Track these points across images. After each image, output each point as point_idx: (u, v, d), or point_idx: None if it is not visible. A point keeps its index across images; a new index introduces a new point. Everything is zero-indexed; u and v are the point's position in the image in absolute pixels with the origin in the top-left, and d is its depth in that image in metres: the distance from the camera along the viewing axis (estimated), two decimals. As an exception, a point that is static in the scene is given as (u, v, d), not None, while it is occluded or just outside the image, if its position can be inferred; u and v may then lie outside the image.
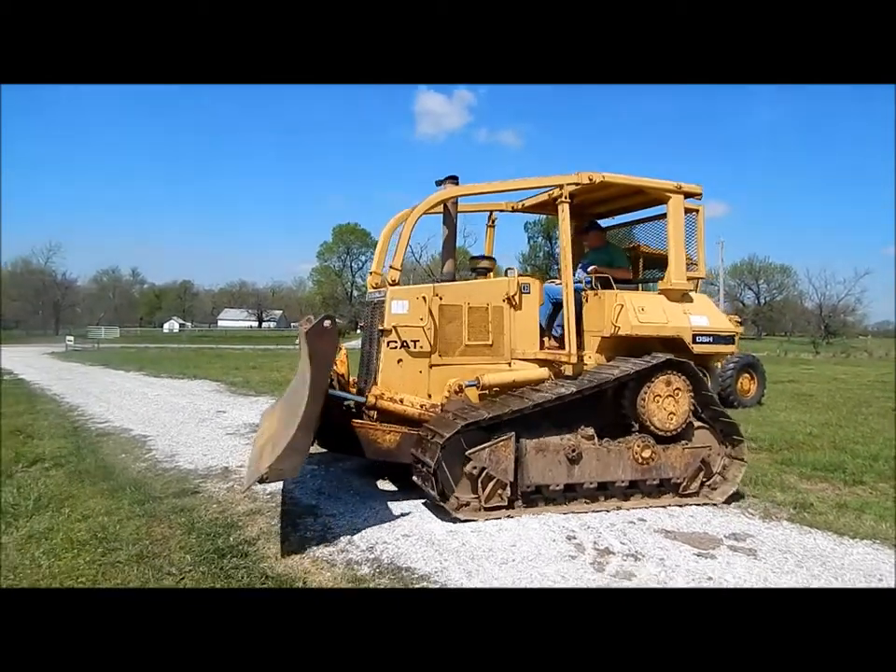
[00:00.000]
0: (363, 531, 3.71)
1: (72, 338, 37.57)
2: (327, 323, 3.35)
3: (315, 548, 3.42)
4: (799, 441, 6.87)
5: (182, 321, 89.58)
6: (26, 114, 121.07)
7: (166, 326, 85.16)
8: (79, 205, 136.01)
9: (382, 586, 2.93)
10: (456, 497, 3.86)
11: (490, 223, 6.21)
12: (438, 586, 2.94)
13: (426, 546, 3.46)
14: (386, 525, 3.84)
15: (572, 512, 4.06)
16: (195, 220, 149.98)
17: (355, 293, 75.89)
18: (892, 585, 3.03)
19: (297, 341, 5.98)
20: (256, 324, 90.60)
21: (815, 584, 3.00)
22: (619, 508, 4.21)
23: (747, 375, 10.66)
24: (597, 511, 4.14)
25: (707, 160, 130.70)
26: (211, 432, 7.26)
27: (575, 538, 3.61)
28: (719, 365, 8.60)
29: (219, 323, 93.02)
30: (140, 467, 5.46)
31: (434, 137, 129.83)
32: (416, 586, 2.96)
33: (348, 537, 3.61)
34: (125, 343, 44.30)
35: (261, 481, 3.31)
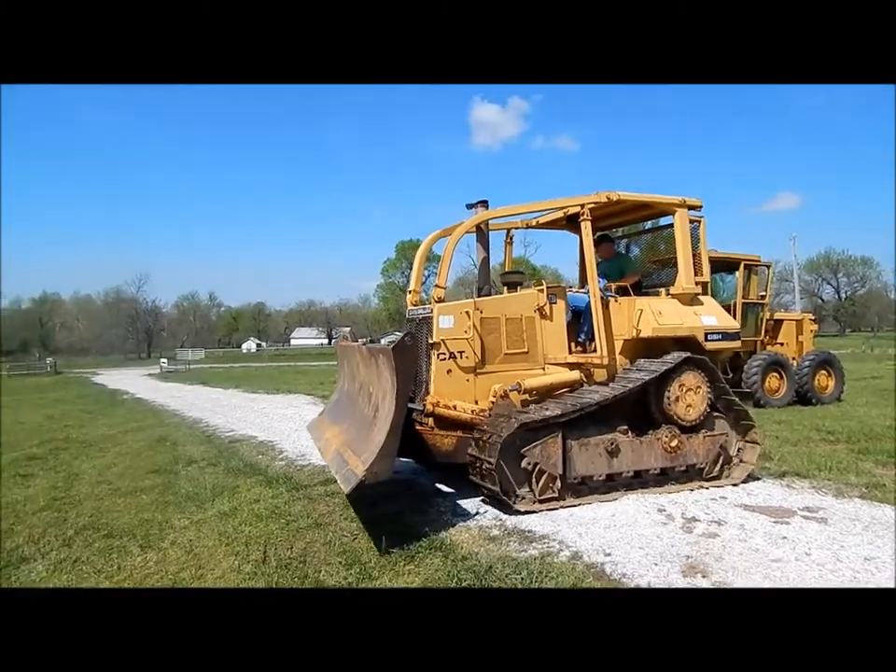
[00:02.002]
0: (485, 507, 4.50)
1: (165, 360, 40.74)
2: (408, 340, 3.92)
3: (451, 517, 4.26)
4: (878, 432, 7.10)
5: (258, 341, 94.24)
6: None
7: (244, 346, 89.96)
8: (159, 236, 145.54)
9: (511, 545, 3.70)
10: (515, 492, 4.30)
11: (508, 240, 6.81)
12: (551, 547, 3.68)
13: (539, 517, 4.22)
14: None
15: (614, 500, 4.56)
16: (264, 244, 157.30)
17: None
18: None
19: (338, 354, 6.49)
20: (326, 341, 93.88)
21: (878, 543, 3.53)
22: (655, 493, 4.70)
23: (824, 372, 10.76)
24: (636, 497, 4.61)
25: (775, 150, 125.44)
26: (325, 437, 8.27)
27: (665, 510, 4.28)
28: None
29: (292, 341, 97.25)
30: (280, 464, 6.48)
31: (489, 147, 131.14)
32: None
33: (475, 510, 4.43)
34: (212, 364, 47.33)
35: (359, 484, 3.59)
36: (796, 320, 11.92)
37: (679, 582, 3.10)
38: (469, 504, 4.60)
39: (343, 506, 4.61)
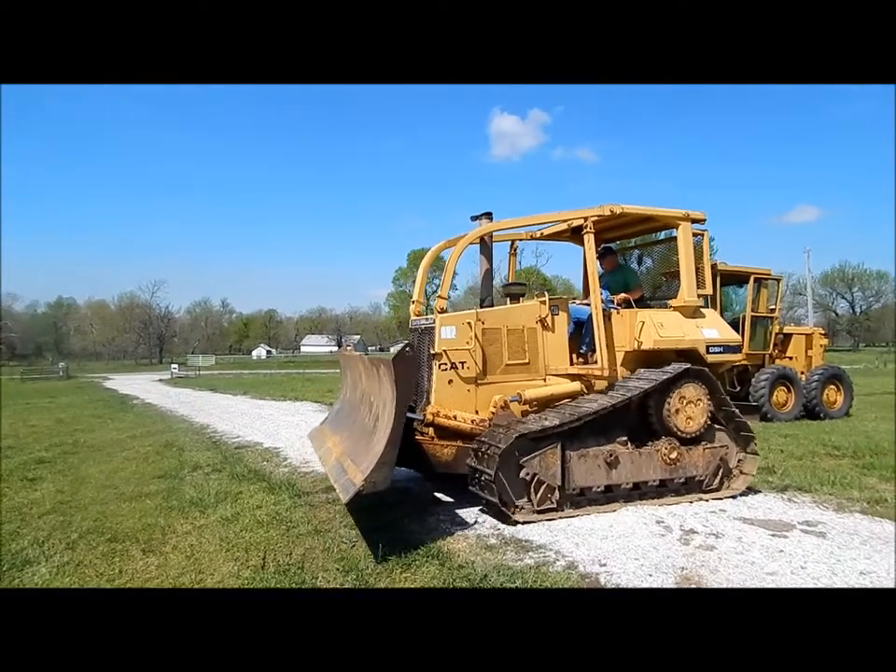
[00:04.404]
0: (484, 515, 4.53)
1: (176, 366, 41.17)
2: (408, 351, 3.96)
3: (450, 527, 4.29)
4: (884, 448, 7.05)
5: (269, 348, 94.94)
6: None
7: (255, 353, 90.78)
8: (171, 238, 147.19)
9: (508, 554, 3.72)
10: (514, 503, 4.29)
11: (512, 251, 6.80)
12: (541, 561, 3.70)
13: (537, 526, 4.23)
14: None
15: (613, 511, 4.54)
16: (277, 251, 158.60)
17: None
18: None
19: (341, 364, 6.58)
20: (336, 348, 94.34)
21: (875, 558, 3.51)
22: (654, 505, 4.69)
23: (832, 387, 10.70)
24: (634, 509, 4.61)
25: (797, 162, 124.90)
26: (330, 444, 8.32)
27: (663, 522, 4.28)
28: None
29: (302, 349, 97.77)
30: (283, 471, 6.53)
31: (508, 158, 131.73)
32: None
33: (473, 519, 4.45)
34: (221, 370, 47.68)
35: (358, 493, 3.60)
36: (806, 334, 11.87)
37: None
38: (467, 513, 4.62)
39: (343, 513, 4.65)
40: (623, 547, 3.77)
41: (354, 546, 3.91)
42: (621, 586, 3.20)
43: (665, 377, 4.80)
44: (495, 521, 4.39)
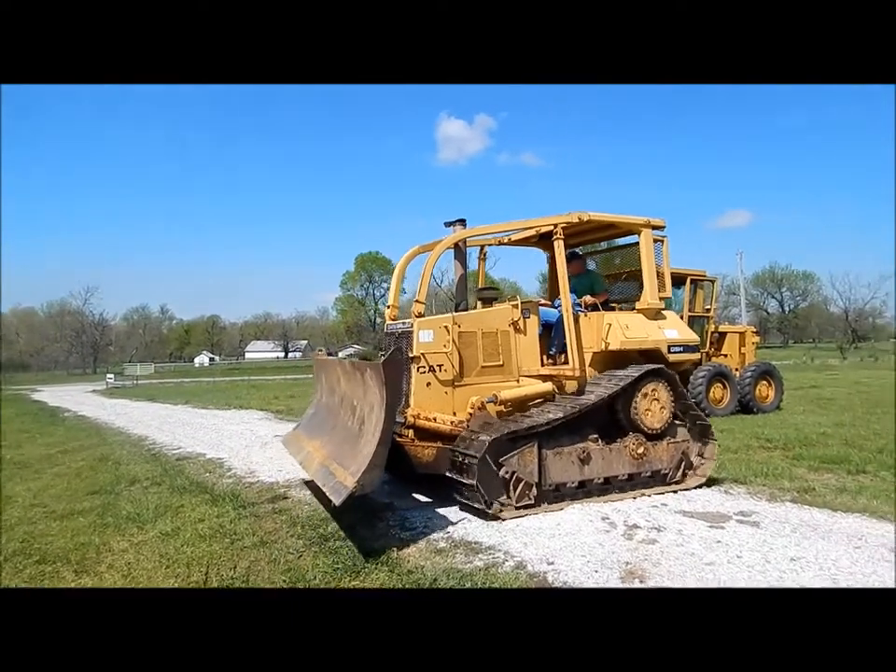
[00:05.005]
0: (434, 519, 4.53)
1: (112, 376, 39.28)
2: (398, 356, 4.03)
3: (399, 532, 4.25)
4: (812, 439, 7.46)
5: (211, 355, 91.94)
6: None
7: (196, 360, 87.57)
8: (107, 246, 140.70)
9: (458, 557, 3.72)
10: (493, 502, 4.41)
11: (482, 256, 6.97)
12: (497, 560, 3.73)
13: (486, 527, 4.27)
14: (452, 515, 4.64)
15: (589, 504, 4.73)
16: (219, 255, 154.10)
17: (378, 321, 77.19)
18: (887, 585, 3.13)
19: (314, 368, 6.56)
20: (282, 354, 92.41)
21: (804, 545, 3.71)
22: (624, 499, 4.91)
23: (764, 382, 11.23)
24: (608, 502, 4.83)
25: (730, 166, 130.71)
26: (277, 453, 8.10)
27: (608, 518, 4.39)
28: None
29: (247, 355, 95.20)
30: (227, 482, 6.33)
31: (455, 162, 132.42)
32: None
33: (423, 524, 4.44)
34: (161, 379, 45.86)
35: (350, 496, 3.69)
36: (739, 332, 12.44)
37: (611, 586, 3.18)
38: (417, 517, 4.60)
39: (290, 523, 4.55)
40: (570, 545, 3.84)
41: (301, 556, 3.82)
42: (566, 585, 3.25)
43: (639, 374, 5.03)
44: (444, 523, 4.39)
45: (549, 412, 4.80)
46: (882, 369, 26.39)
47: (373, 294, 78.93)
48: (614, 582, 3.24)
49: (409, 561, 3.65)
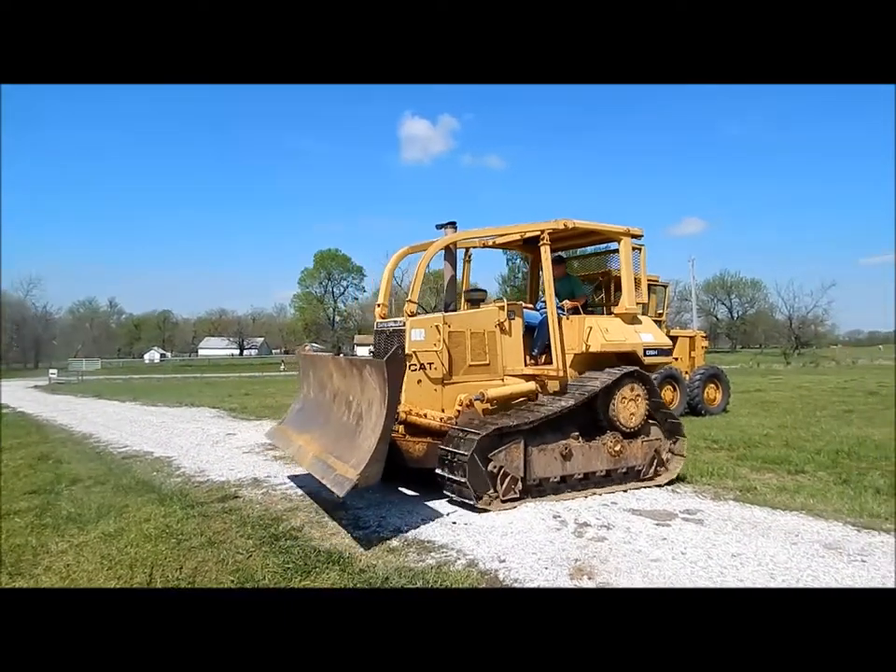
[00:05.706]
0: (388, 518, 4.51)
1: (55, 371, 37.68)
2: (399, 353, 4.08)
3: (352, 531, 4.21)
4: (755, 440, 7.76)
5: (163, 351, 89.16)
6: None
7: (147, 356, 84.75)
8: (53, 236, 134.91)
9: (410, 556, 3.72)
10: (482, 495, 4.59)
11: (467, 258, 7.13)
12: (454, 557, 3.74)
13: (440, 526, 4.27)
14: (406, 514, 4.63)
15: (567, 499, 4.93)
16: (172, 248, 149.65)
17: (336, 318, 76.48)
18: (819, 580, 3.19)
19: (300, 364, 6.64)
20: (237, 352, 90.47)
21: (745, 541, 3.85)
22: (600, 494, 5.09)
23: (712, 385, 11.60)
24: (587, 497, 5.04)
25: (688, 175, 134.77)
26: (228, 452, 7.95)
27: (560, 516, 4.46)
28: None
29: (200, 352, 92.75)
30: (176, 481, 6.15)
31: (420, 161, 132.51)
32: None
33: (377, 522, 4.41)
34: (108, 375, 44.29)
35: (353, 487, 3.75)
36: (689, 337, 12.81)
37: (567, 585, 3.23)
38: (370, 516, 4.58)
39: (239, 523, 4.45)
40: (522, 542, 3.89)
41: (251, 556, 3.75)
42: (517, 583, 3.28)
43: (614, 377, 5.22)
44: (397, 522, 4.38)
45: (537, 410, 4.97)
46: (823, 374, 27.66)
47: (332, 292, 78.16)
48: (564, 580, 3.29)
49: (360, 560, 3.62)
